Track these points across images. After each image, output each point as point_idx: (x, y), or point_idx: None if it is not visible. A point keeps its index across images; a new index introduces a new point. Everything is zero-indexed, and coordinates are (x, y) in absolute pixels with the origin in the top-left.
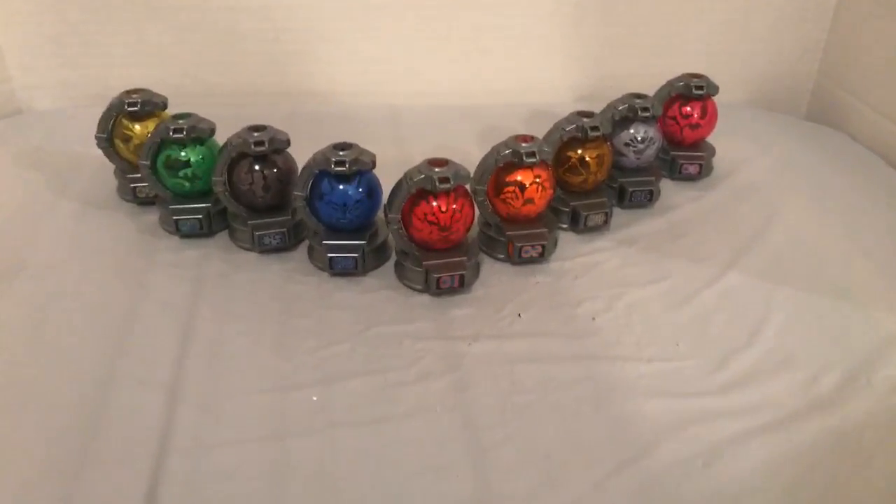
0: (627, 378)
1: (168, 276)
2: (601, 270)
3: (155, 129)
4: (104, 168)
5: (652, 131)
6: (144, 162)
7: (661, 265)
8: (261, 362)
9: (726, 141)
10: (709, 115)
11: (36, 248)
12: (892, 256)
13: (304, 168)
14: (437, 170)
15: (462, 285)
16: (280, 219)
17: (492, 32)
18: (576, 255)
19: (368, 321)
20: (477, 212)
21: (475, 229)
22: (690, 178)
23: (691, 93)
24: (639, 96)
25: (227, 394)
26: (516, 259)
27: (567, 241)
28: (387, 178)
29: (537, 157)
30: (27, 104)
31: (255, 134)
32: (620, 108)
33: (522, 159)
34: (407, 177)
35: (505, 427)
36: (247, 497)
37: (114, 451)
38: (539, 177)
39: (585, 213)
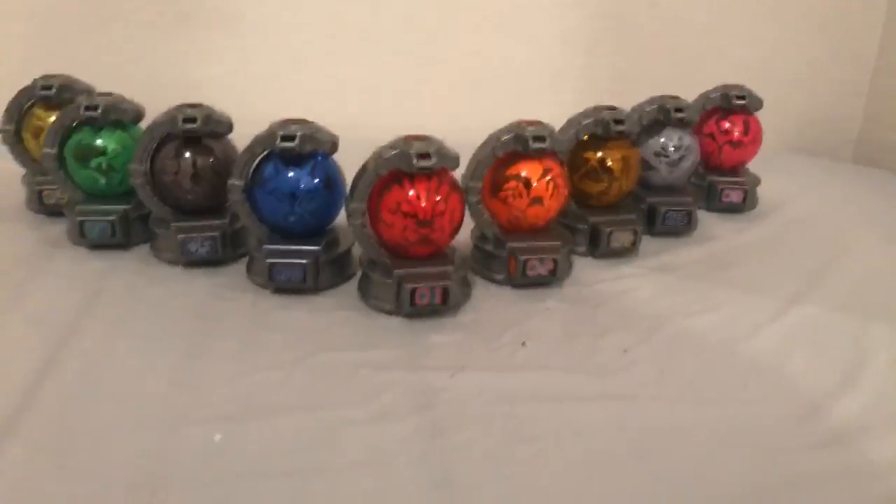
0: (681, 425)
1: (54, 288)
2: (630, 299)
3: (64, 109)
4: (10, 176)
5: (688, 139)
6: (49, 150)
7: (710, 295)
8: (149, 391)
9: (768, 180)
10: (752, 133)
11: None
12: None
13: (244, 150)
14: (415, 144)
15: (445, 302)
16: (213, 222)
17: (493, 63)
18: (595, 281)
19: (314, 346)
20: (470, 220)
21: (468, 245)
22: (732, 209)
23: (731, 104)
24: (671, 97)
25: (84, 431)
26: (519, 278)
27: (584, 266)
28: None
29: (547, 143)
30: None
31: (188, 110)
32: (649, 109)
33: (528, 145)
34: (375, 155)
35: (496, 486)
36: None
37: None
38: (550, 171)
39: (608, 230)
